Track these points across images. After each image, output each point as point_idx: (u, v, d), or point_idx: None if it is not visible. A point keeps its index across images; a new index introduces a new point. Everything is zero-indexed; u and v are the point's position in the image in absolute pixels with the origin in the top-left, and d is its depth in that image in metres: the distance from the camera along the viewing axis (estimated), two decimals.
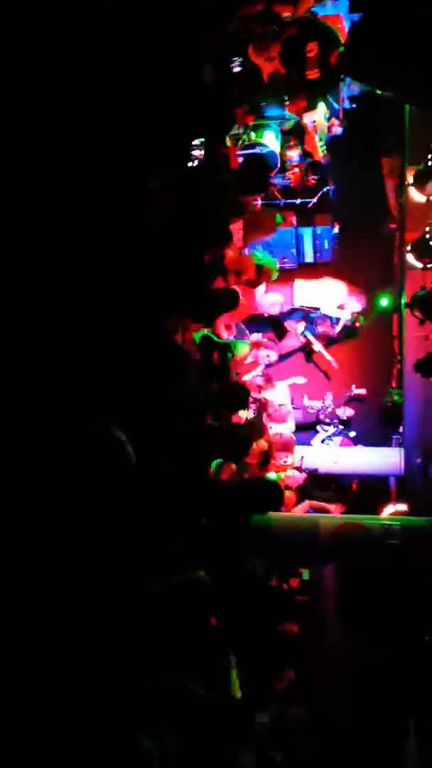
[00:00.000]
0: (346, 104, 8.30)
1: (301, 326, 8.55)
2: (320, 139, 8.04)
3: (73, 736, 2.23)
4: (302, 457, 7.90)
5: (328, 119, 8.12)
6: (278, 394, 8.01)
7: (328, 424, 8.49)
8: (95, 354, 2.99)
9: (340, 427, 8.50)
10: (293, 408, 8.43)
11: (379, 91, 7.57)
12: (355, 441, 8.57)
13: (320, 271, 8.61)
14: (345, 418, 8.48)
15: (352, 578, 7.17)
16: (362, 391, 8.60)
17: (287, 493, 6.72)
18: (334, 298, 8.28)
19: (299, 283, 8.34)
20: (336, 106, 8.16)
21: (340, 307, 8.30)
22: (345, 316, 8.37)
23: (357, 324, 8.52)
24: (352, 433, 8.52)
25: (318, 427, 8.51)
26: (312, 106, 7.71)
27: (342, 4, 7.48)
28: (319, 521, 6.32)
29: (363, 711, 6.75)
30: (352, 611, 7.28)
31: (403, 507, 7.64)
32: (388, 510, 7.66)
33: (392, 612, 6.74)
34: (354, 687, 6.85)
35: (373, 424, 8.67)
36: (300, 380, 8.45)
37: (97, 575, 2.48)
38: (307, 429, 8.50)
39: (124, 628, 2.59)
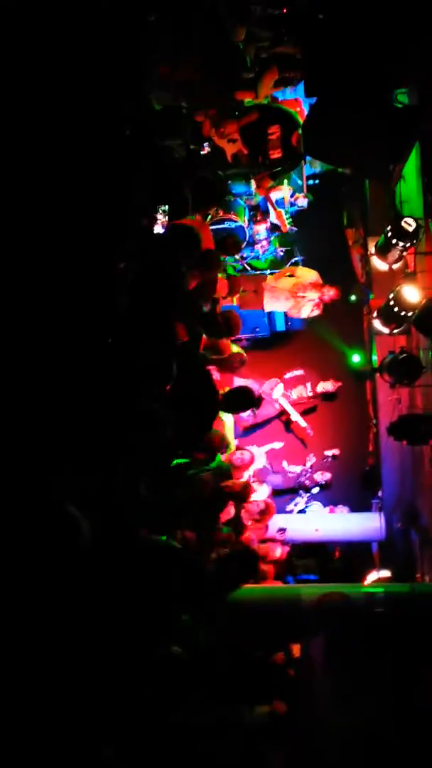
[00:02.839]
0: (310, 181, 8.68)
1: (277, 390, 8.61)
2: (286, 212, 8.36)
3: None
4: (284, 530, 7.78)
5: (293, 195, 8.47)
6: (257, 461, 7.97)
7: (308, 490, 8.46)
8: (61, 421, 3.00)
9: (315, 492, 8.49)
10: (273, 472, 8.42)
11: (339, 169, 7.97)
12: (336, 507, 8.51)
13: (292, 338, 8.80)
14: (323, 482, 8.46)
15: (339, 648, 6.97)
16: (336, 451, 8.61)
17: (266, 566, 6.58)
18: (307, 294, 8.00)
19: (270, 284, 8.06)
20: (300, 182, 8.52)
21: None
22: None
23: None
24: (329, 503, 8.49)
25: (296, 497, 8.49)
26: (277, 183, 8.05)
27: (301, 89, 7.90)
28: (300, 592, 6.20)
29: None
30: (341, 681, 7.04)
31: (386, 573, 7.51)
32: (372, 577, 7.52)
33: (381, 680, 6.53)
34: (350, 759, 6.56)
35: (353, 489, 8.64)
36: (277, 445, 8.45)
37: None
38: (287, 493, 8.50)
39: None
